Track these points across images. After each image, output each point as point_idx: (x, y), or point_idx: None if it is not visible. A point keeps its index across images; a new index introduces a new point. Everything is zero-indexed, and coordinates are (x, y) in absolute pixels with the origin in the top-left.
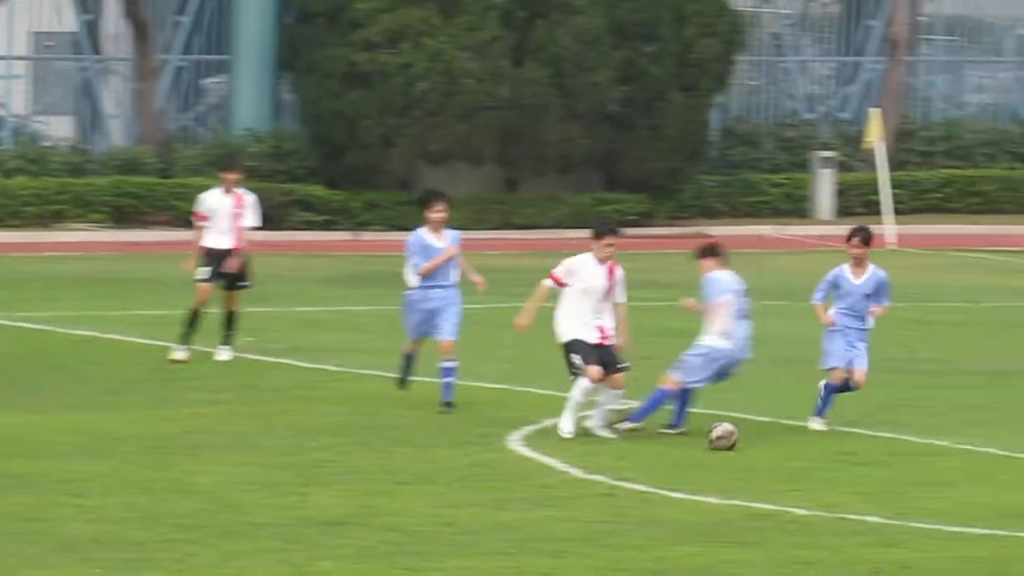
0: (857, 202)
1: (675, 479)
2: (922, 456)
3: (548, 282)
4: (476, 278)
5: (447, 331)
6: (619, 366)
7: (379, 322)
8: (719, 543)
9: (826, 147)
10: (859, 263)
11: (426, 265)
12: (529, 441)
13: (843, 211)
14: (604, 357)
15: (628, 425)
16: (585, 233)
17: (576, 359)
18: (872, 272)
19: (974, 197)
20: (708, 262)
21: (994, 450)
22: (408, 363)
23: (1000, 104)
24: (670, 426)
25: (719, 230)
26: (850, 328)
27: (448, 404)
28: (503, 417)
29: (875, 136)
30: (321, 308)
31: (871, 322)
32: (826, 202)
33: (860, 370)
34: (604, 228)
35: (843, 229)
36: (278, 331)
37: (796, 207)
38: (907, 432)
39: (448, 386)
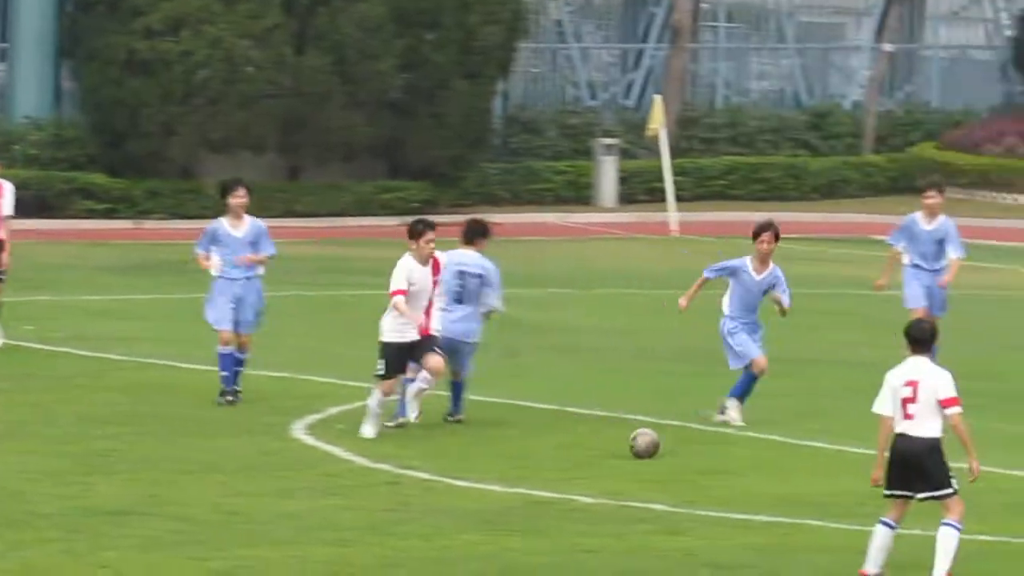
0: (640, 189)
1: (459, 467)
2: (710, 444)
3: (399, 299)
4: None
5: (245, 325)
6: (435, 348)
7: (162, 310)
8: (503, 531)
9: (609, 134)
10: (764, 259)
11: (201, 257)
12: (313, 430)
13: (626, 198)
14: (421, 347)
15: (397, 421)
16: (369, 221)
17: (379, 367)
18: (772, 268)
19: (757, 184)
20: (461, 240)
21: (781, 438)
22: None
23: (783, 91)
24: (450, 414)
25: (502, 218)
26: (747, 321)
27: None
28: (287, 406)
29: (658, 123)
30: (103, 296)
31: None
32: (609, 189)
33: (760, 357)
34: (421, 225)
35: (626, 216)
36: (60, 319)
37: (579, 194)
38: (695, 420)
39: (236, 374)
